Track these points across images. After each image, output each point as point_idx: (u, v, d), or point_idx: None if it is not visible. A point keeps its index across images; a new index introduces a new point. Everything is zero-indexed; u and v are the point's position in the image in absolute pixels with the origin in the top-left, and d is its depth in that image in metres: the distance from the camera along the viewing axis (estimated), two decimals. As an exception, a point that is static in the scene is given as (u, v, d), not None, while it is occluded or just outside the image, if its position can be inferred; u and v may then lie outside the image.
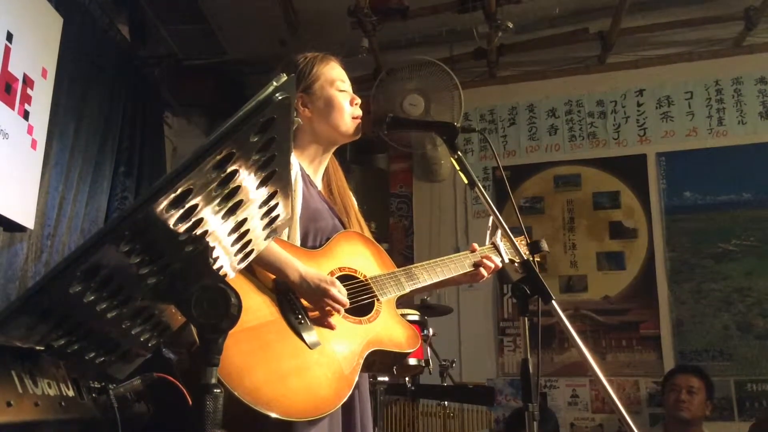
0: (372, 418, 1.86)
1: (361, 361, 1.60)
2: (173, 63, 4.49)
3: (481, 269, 1.86)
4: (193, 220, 0.83)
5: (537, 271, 1.52)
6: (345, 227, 1.83)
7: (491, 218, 1.91)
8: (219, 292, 0.87)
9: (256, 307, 1.53)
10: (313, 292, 1.57)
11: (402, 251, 4.57)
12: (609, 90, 4.48)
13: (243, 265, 1.09)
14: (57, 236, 3.21)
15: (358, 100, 1.85)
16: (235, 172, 0.81)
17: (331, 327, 1.59)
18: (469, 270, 1.86)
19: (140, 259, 0.81)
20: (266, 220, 1.00)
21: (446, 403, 3.38)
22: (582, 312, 4.21)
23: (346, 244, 1.78)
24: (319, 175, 1.89)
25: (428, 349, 2.78)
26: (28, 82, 2.90)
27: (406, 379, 3.14)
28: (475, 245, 1.92)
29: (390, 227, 4.64)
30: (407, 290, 1.77)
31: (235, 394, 1.34)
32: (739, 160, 4.14)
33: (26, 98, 2.88)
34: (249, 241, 1.01)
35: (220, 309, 0.87)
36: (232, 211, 0.89)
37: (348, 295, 1.62)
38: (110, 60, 3.77)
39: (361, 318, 1.67)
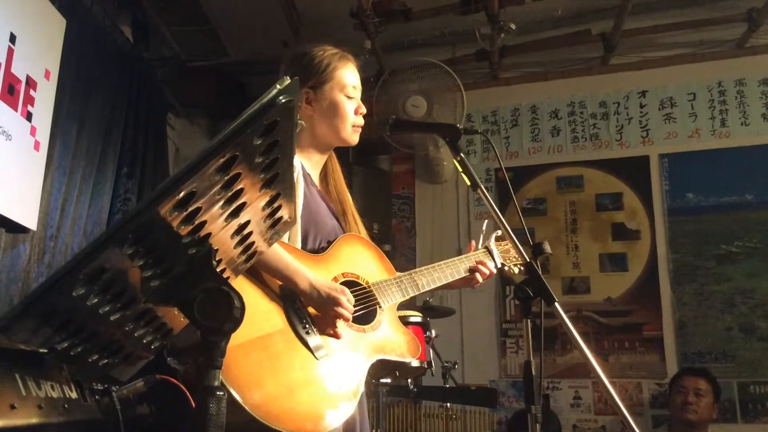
0: (373, 419, 1.86)
1: (366, 371, 1.61)
2: (176, 64, 4.50)
3: (477, 275, 1.90)
4: (197, 222, 0.82)
5: (539, 272, 1.51)
6: (343, 227, 1.83)
7: (486, 221, 1.94)
8: (222, 295, 0.87)
9: (264, 316, 1.51)
10: (323, 302, 1.56)
11: (405, 252, 4.57)
12: (612, 91, 4.47)
13: (246, 267, 1.09)
14: (60, 237, 3.21)
15: (363, 110, 1.83)
16: (239, 174, 0.81)
17: (337, 336, 1.58)
18: (464, 275, 1.89)
19: (144, 262, 0.81)
20: (269, 222, 1.00)
21: (449, 404, 3.38)
22: (584, 313, 4.20)
23: (348, 248, 1.77)
24: (318, 173, 1.89)
25: (431, 350, 2.78)
26: (31, 83, 2.90)
27: (409, 380, 3.14)
28: (473, 243, 1.94)
29: (393, 228, 4.64)
30: (408, 297, 1.78)
31: (246, 408, 1.34)
32: (742, 162, 4.13)
33: (29, 100, 2.88)
34: (252, 244, 1.01)
35: (223, 311, 0.87)
36: (235, 214, 0.89)
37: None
38: (113, 61, 3.77)
39: (365, 326, 1.67)
